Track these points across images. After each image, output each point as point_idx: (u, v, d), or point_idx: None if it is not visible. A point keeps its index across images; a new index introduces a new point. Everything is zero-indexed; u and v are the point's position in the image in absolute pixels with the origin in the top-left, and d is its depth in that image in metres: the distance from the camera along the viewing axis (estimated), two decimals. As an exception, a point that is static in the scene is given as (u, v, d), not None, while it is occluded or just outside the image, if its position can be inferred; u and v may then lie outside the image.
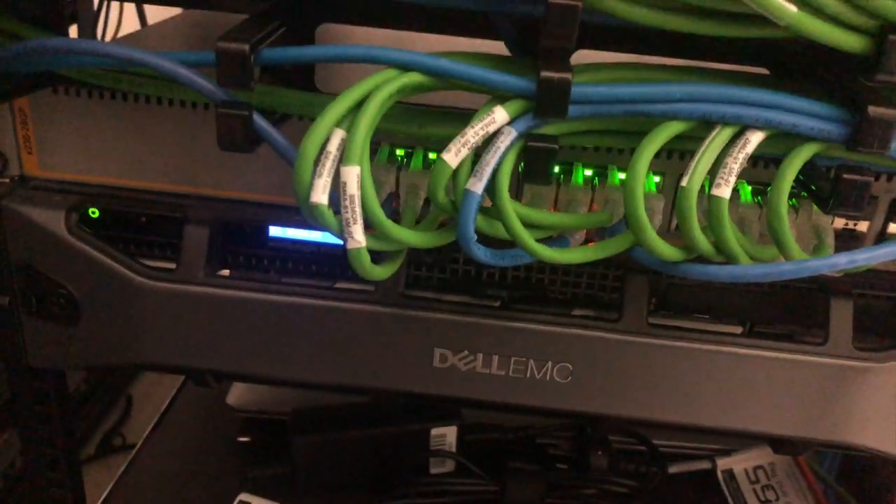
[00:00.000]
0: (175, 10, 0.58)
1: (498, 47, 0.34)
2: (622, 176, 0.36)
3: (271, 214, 0.41)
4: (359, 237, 0.30)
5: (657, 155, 0.30)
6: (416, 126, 0.33)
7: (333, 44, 0.31)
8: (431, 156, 0.37)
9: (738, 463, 0.61)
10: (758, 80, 0.33)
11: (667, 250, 0.32)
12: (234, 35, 0.29)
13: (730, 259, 0.31)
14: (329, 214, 0.30)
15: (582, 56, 0.31)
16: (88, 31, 0.71)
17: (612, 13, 0.28)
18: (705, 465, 0.61)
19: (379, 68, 0.30)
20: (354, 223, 0.29)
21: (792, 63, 0.36)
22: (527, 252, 0.31)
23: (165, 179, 0.40)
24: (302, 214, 0.30)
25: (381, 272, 0.32)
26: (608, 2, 0.28)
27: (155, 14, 0.65)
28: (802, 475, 0.60)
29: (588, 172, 0.37)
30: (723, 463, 0.60)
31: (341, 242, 0.30)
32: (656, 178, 0.38)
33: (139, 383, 0.87)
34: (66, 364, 0.42)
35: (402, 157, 0.37)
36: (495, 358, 0.39)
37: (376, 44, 0.30)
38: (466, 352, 0.39)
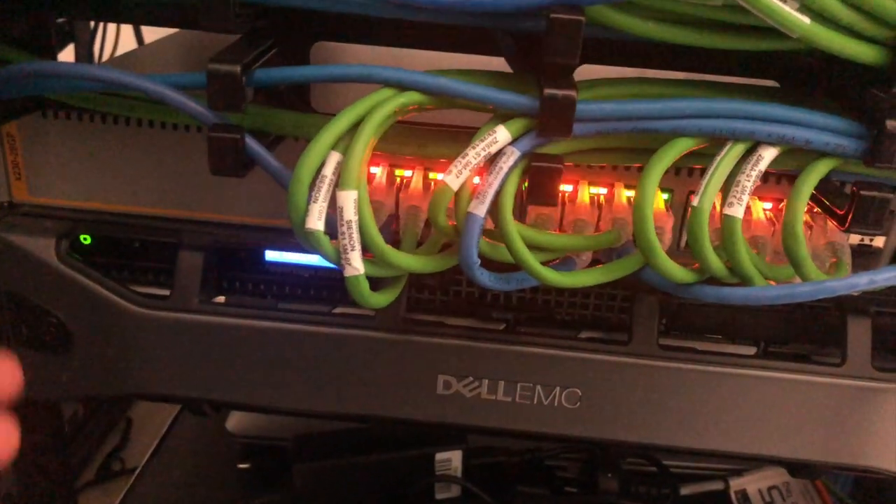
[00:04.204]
0: (172, 29, 0.57)
1: (498, 63, 0.33)
2: (630, 194, 0.35)
3: (267, 238, 0.40)
4: (357, 264, 0.28)
5: (665, 171, 0.29)
6: (415, 146, 0.32)
7: (328, 63, 0.30)
8: (432, 176, 0.36)
9: (752, 483, 0.59)
10: (768, 93, 0.32)
11: (678, 272, 0.30)
12: (226, 56, 0.28)
13: (744, 281, 0.30)
14: (325, 241, 0.29)
15: (585, 71, 0.30)
16: (85, 51, 0.71)
17: (617, 28, 0.27)
18: (718, 485, 0.59)
19: (376, 87, 0.29)
20: (352, 250, 0.28)
21: (803, 75, 0.35)
22: (532, 276, 0.30)
23: (158, 204, 0.39)
24: (298, 239, 0.29)
25: (381, 299, 0.31)
26: (613, 16, 0.27)
27: (153, 33, 0.64)
28: (818, 494, 0.59)
29: (594, 190, 0.36)
30: (736, 483, 0.59)
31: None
32: (665, 196, 0.36)
33: (139, 406, 0.86)
34: (58, 395, 0.41)
35: (401, 177, 0.36)
36: (501, 384, 0.38)
37: (373, 62, 0.29)
38: (471, 378, 0.38)
